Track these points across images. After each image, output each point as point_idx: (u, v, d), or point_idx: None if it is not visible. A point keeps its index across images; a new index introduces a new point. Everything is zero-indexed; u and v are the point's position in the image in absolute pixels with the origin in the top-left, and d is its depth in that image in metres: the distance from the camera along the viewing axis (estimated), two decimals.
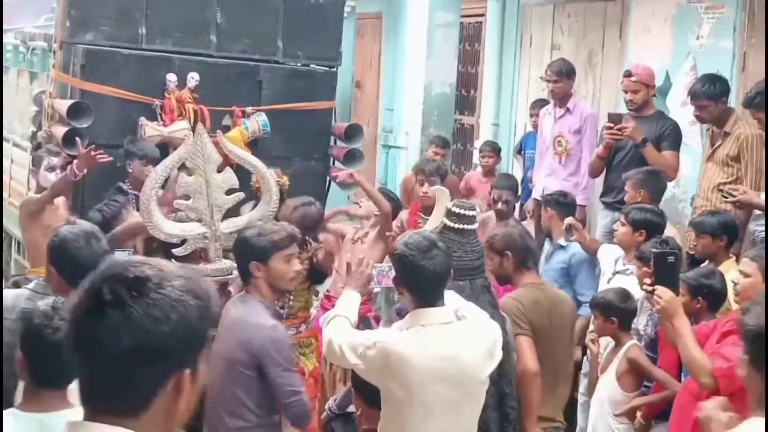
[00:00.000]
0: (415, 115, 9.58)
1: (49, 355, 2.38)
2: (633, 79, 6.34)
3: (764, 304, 2.48)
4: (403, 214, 6.31)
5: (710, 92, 5.76)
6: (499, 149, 8.13)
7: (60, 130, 5.95)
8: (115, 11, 6.34)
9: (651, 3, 7.56)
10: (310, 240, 4.76)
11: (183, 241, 3.75)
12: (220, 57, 6.66)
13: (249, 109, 6.52)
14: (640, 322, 4.69)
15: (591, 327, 4.98)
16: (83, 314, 1.40)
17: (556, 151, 7.06)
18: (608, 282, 5.08)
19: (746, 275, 3.68)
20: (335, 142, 7.25)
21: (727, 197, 5.35)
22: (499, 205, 6.22)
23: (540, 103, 7.81)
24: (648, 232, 4.93)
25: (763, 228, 5.22)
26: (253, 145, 6.40)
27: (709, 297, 4.14)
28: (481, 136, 9.57)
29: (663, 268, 3.77)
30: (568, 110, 7.01)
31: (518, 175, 8.29)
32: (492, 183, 6.92)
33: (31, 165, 6.07)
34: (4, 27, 7.03)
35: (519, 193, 6.93)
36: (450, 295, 3.31)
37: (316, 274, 4.89)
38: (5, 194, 6.79)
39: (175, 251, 3.64)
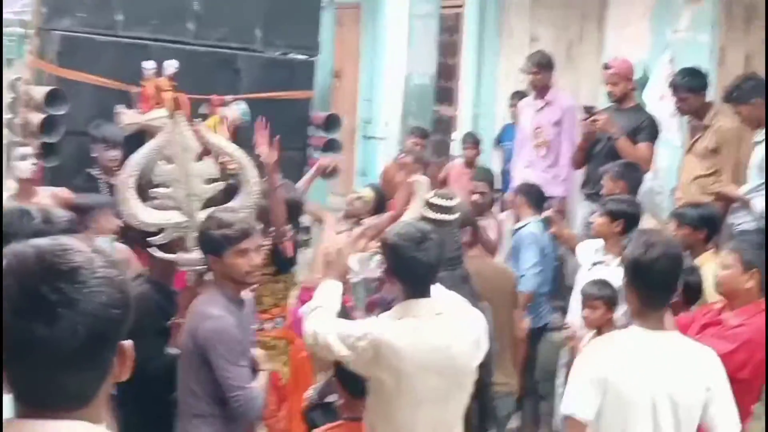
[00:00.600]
0: (394, 106, 9.56)
1: None
2: (611, 71, 6.39)
3: (645, 238, 3.12)
4: None
5: (691, 84, 5.81)
6: (479, 141, 8.13)
7: (36, 117, 5.88)
8: None
9: None
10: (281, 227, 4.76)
11: (160, 230, 3.70)
12: (197, 45, 6.58)
13: (227, 98, 6.47)
14: (619, 311, 4.71)
15: (569, 318, 5.01)
16: (30, 319, 1.34)
17: (535, 142, 7.07)
18: (588, 272, 5.09)
19: (726, 267, 3.70)
20: (314, 132, 7.21)
21: (707, 191, 5.40)
22: (475, 197, 6.21)
23: (519, 95, 7.82)
24: (626, 221, 4.96)
25: (741, 221, 5.26)
26: (236, 133, 6.34)
27: (686, 292, 4.17)
28: (460, 127, 9.57)
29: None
30: (547, 102, 7.02)
31: (498, 167, 8.31)
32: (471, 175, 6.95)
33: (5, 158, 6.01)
34: None
35: (497, 185, 6.91)
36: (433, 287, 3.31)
37: (281, 262, 4.81)
38: None
39: (152, 240, 3.59)
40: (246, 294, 3.74)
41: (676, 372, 3.03)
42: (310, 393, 4.06)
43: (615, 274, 4.64)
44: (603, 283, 4.60)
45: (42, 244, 1.41)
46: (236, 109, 6.35)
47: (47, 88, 5.93)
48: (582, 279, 4.99)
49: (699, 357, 3.12)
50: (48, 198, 5.22)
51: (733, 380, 3.53)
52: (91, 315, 1.36)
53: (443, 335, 3.16)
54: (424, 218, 3.70)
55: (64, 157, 5.44)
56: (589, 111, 6.43)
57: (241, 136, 6.35)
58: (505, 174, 7.78)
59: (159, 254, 3.59)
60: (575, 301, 4.91)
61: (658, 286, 3.08)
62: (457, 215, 3.83)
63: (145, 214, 3.62)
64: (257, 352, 3.78)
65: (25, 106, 6.22)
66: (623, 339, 3.13)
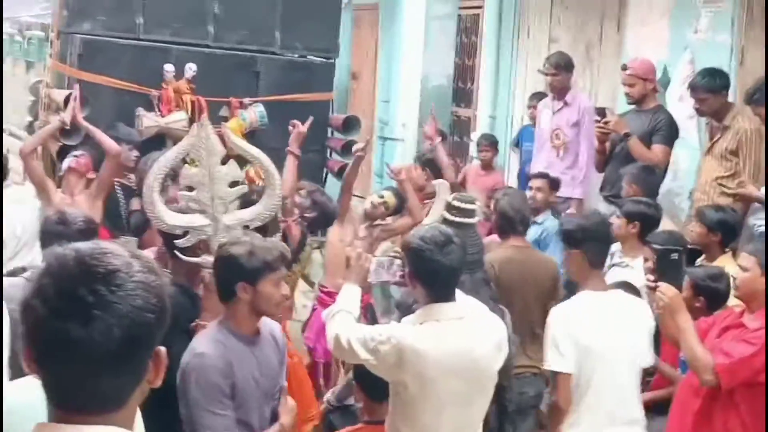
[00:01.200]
0: (411, 107, 9.57)
1: None
2: (628, 72, 6.37)
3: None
4: None
5: (710, 85, 5.77)
6: (497, 142, 8.12)
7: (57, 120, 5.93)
8: (112, 1, 6.34)
9: None
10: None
11: (185, 233, 3.73)
12: (217, 48, 6.65)
13: (246, 100, 6.50)
14: None
15: None
16: (65, 320, 1.35)
17: (553, 144, 7.06)
18: (604, 275, 5.06)
19: (744, 269, 3.68)
20: (332, 134, 7.23)
21: (727, 191, 5.38)
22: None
23: (538, 96, 7.80)
24: (642, 224, 4.94)
25: (762, 222, 5.23)
26: (251, 136, 6.38)
27: (711, 297, 4.15)
28: (478, 129, 9.56)
29: (666, 265, 3.79)
30: (566, 103, 7.00)
31: (515, 169, 8.30)
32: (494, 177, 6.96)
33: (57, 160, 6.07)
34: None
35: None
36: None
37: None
38: None
39: (178, 242, 3.61)
40: (270, 327, 3.44)
41: (625, 323, 3.79)
42: (328, 396, 4.08)
43: (634, 276, 4.65)
44: (624, 285, 4.57)
45: (82, 248, 1.43)
46: (254, 112, 6.39)
47: (68, 91, 5.99)
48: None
49: (639, 309, 3.92)
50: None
51: (754, 383, 3.53)
52: (126, 318, 1.37)
53: (466, 339, 3.16)
54: (445, 221, 3.71)
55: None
56: (602, 113, 6.41)
57: (258, 137, 6.39)
58: (523, 175, 7.76)
59: (184, 257, 3.60)
60: None
61: (598, 249, 3.89)
62: (477, 218, 3.84)
63: (170, 217, 3.63)
64: (287, 402, 3.44)
65: (45, 109, 6.29)
66: (581, 301, 3.81)
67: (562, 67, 6.97)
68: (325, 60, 7.11)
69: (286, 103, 6.69)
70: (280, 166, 4.62)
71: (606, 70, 8.03)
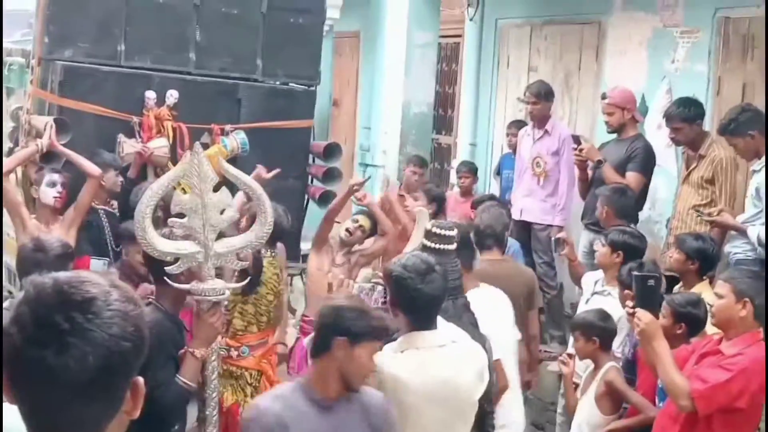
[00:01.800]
0: (392, 134, 9.60)
1: None
2: (607, 101, 6.44)
3: None
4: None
5: (685, 115, 5.83)
6: (476, 169, 8.17)
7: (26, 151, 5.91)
8: (94, 28, 6.32)
9: (627, 26, 7.65)
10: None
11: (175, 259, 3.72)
12: (198, 75, 6.65)
13: (228, 127, 6.51)
14: (616, 342, 4.72)
15: (569, 349, 5.02)
16: (40, 347, 1.35)
17: (534, 172, 7.12)
18: (586, 303, 5.11)
19: (720, 296, 3.72)
20: (314, 161, 7.25)
21: (702, 217, 5.43)
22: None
23: (517, 124, 7.87)
24: (626, 254, 4.97)
25: (738, 250, 5.29)
26: (232, 163, 6.37)
27: (691, 324, 4.19)
28: (459, 156, 9.62)
29: (644, 291, 3.83)
30: (546, 132, 7.07)
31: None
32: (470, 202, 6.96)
33: (27, 185, 6.05)
34: None
35: None
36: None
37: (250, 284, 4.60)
38: None
39: (168, 269, 3.60)
40: (371, 400, 3.12)
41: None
42: None
43: (615, 304, 4.68)
44: (595, 313, 4.60)
45: (60, 276, 1.44)
46: (235, 139, 6.40)
47: (49, 118, 5.97)
48: (581, 309, 5.02)
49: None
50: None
51: (732, 410, 3.55)
52: (102, 346, 1.37)
53: (447, 367, 3.16)
54: (425, 247, 3.72)
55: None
56: (577, 140, 6.49)
57: (239, 164, 6.38)
58: (503, 203, 7.79)
59: (174, 284, 3.60)
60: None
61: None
62: (455, 245, 3.86)
63: (162, 244, 3.63)
64: None
65: (26, 135, 6.26)
66: None
67: (542, 96, 7.04)
68: (306, 87, 7.14)
69: (267, 130, 6.70)
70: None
71: (585, 99, 8.11)
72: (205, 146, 6.26)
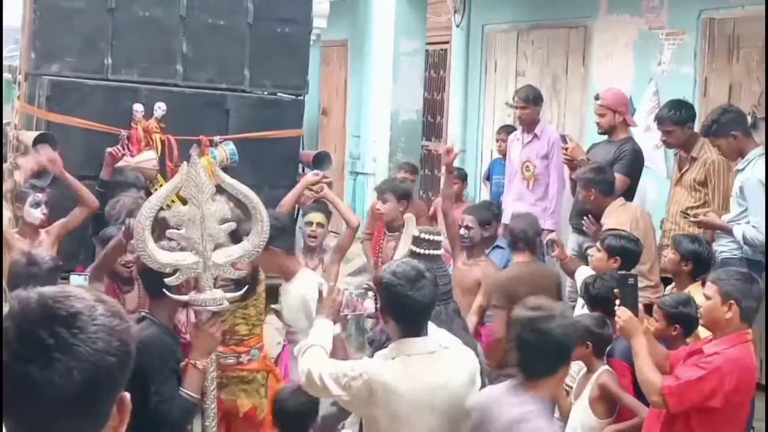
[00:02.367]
0: (382, 142, 9.62)
1: None
2: (599, 102, 6.45)
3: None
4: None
5: (676, 118, 5.84)
6: (465, 175, 8.16)
7: (26, 162, 5.90)
8: (80, 42, 6.32)
9: (613, 29, 7.68)
10: None
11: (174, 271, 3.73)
12: (186, 86, 6.65)
13: (216, 138, 6.51)
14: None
15: None
16: (25, 363, 1.35)
17: (524, 176, 7.12)
18: (582, 307, 5.06)
19: (707, 298, 3.73)
20: (303, 170, 7.25)
21: (691, 219, 5.44)
22: (462, 231, 5.88)
23: (507, 129, 7.88)
24: (623, 258, 4.96)
25: (724, 249, 5.30)
26: None
27: (685, 324, 4.19)
28: None
29: (624, 290, 3.90)
30: (535, 136, 7.08)
31: None
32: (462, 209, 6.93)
33: (13, 201, 6.02)
34: None
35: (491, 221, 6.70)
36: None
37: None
38: None
39: (167, 280, 3.60)
40: None
41: None
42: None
43: None
44: (593, 319, 4.57)
45: (45, 291, 1.43)
46: (224, 150, 6.39)
47: (36, 133, 5.96)
48: (577, 312, 4.99)
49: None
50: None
51: (707, 409, 3.56)
52: (87, 361, 1.37)
53: (438, 374, 3.15)
54: (413, 254, 3.71)
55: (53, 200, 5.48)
56: (563, 140, 6.52)
57: (229, 175, 6.36)
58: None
59: (173, 295, 3.60)
60: None
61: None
62: (441, 250, 3.86)
63: (162, 255, 3.63)
64: None
65: (14, 151, 6.25)
66: None
67: (530, 100, 7.05)
68: (294, 97, 7.14)
69: (256, 141, 6.70)
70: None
71: (572, 103, 8.13)
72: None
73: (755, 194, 5.18)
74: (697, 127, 6.02)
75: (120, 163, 6.09)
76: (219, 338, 3.79)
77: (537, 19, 8.60)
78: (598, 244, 5.11)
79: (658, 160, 7.03)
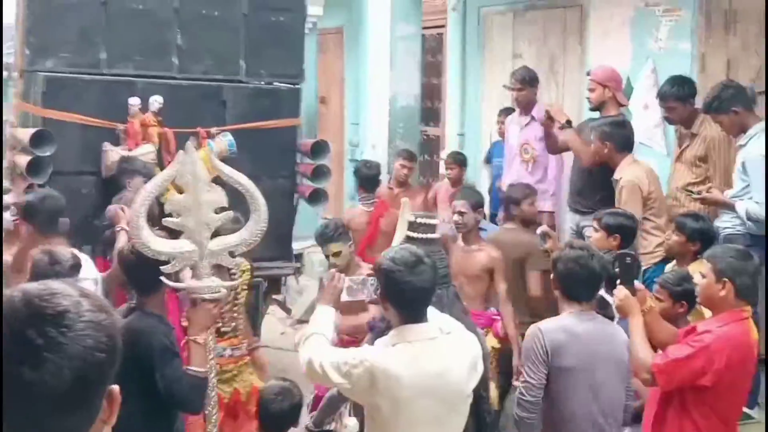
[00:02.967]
0: (380, 129, 9.59)
1: None
2: (590, 77, 6.47)
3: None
4: None
5: (679, 93, 5.86)
6: (463, 159, 8.13)
7: (24, 160, 5.90)
8: (74, 37, 6.29)
9: (609, 7, 7.64)
10: None
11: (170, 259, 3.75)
12: (182, 79, 6.63)
13: (214, 130, 6.49)
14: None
15: None
16: (18, 363, 1.35)
17: (523, 158, 7.11)
18: None
19: (703, 276, 3.72)
20: (302, 159, 7.23)
21: (694, 196, 5.43)
22: (455, 217, 5.82)
23: (507, 112, 7.85)
24: (622, 236, 4.96)
25: (727, 225, 5.29)
26: None
27: (690, 299, 4.18)
28: (447, 147, 9.60)
29: (622, 269, 3.93)
30: (533, 118, 7.06)
31: (487, 184, 8.33)
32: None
33: None
34: None
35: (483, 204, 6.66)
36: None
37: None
38: None
39: (163, 268, 3.63)
40: None
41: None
42: (306, 422, 4.07)
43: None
44: (601, 300, 4.55)
45: (30, 289, 1.43)
46: (222, 141, 6.38)
47: (33, 130, 5.95)
48: None
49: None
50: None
51: (696, 387, 3.56)
52: (77, 359, 1.37)
53: (439, 360, 3.13)
54: (409, 238, 3.70)
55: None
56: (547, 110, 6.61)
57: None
58: (494, 191, 7.80)
59: (170, 283, 3.64)
60: None
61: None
62: (438, 234, 3.87)
63: (157, 243, 3.64)
64: None
65: (11, 149, 6.24)
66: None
67: (527, 82, 7.04)
68: (291, 86, 7.11)
69: (254, 131, 6.68)
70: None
71: (570, 83, 8.10)
72: None
73: (758, 169, 5.17)
74: (696, 104, 6.01)
75: (116, 158, 6.08)
76: (216, 314, 3.84)
77: (532, 0, 8.57)
78: (595, 223, 5.09)
79: (657, 138, 7.01)
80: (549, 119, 6.51)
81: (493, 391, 4.76)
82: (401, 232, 3.72)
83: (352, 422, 3.95)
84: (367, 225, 6.93)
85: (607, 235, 4.98)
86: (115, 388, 1.47)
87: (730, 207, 5.27)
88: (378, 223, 6.93)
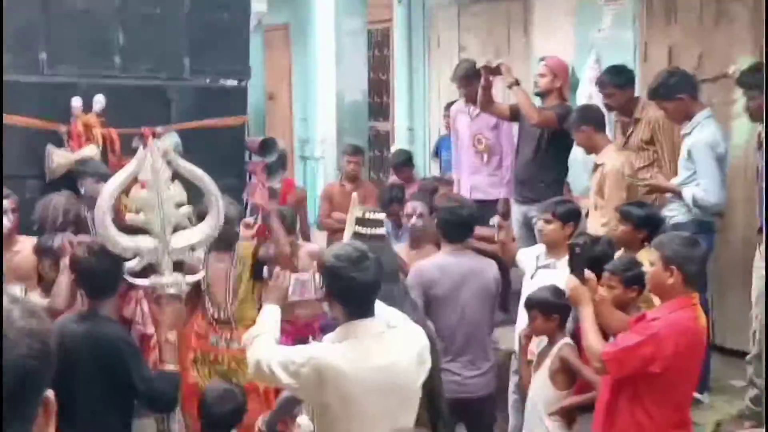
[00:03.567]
0: (329, 124, 9.57)
1: None
2: (543, 63, 6.53)
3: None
4: None
5: (616, 81, 5.95)
6: (410, 156, 8.16)
7: None
8: (12, 39, 6.14)
9: None
10: None
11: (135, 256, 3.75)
12: (125, 78, 6.54)
13: (159, 130, 6.40)
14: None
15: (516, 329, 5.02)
16: None
17: (477, 149, 7.13)
18: (531, 278, 5.02)
19: (651, 264, 3.75)
20: (250, 157, 7.18)
21: (638, 183, 5.47)
22: (413, 220, 5.85)
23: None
24: (575, 223, 5.00)
25: (674, 213, 5.35)
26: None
27: (641, 284, 4.19)
28: (396, 142, 9.60)
29: (572, 258, 4.01)
30: None
31: None
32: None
33: None
34: None
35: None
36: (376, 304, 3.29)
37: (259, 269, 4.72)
38: None
39: (128, 264, 3.63)
40: None
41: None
42: (259, 423, 4.03)
43: (560, 276, 4.64)
44: (549, 290, 4.55)
45: None
46: (168, 141, 6.29)
47: None
48: (527, 286, 4.97)
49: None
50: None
51: (647, 375, 3.59)
52: (10, 369, 1.33)
53: (387, 355, 3.11)
54: (357, 234, 3.69)
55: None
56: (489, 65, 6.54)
57: None
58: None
59: (134, 280, 3.63)
60: (522, 308, 4.86)
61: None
62: (384, 229, 3.86)
63: (123, 240, 3.63)
64: None
65: None
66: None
67: (471, 76, 7.03)
68: (237, 83, 7.06)
69: (200, 130, 6.61)
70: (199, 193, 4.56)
71: (515, 74, 8.11)
72: (136, 150, 6.16)
73: (704, 157, 5.23)
74: (637, 92, 6.07)
75: (60, 160, 5.98)
76: (183, 315, 3.86)
77: None
78: (547, 215, 5.02)
79: None
80: (492, 72, 6.48)
81: None
82: (350, 228, 3.71)
83: (305, 421, 3.92)
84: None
85: (562, 225, 4.97)
86: (50, 394, 1.43)
87: (676, 192, 5.33)
88: (285, 199, 7.15)
